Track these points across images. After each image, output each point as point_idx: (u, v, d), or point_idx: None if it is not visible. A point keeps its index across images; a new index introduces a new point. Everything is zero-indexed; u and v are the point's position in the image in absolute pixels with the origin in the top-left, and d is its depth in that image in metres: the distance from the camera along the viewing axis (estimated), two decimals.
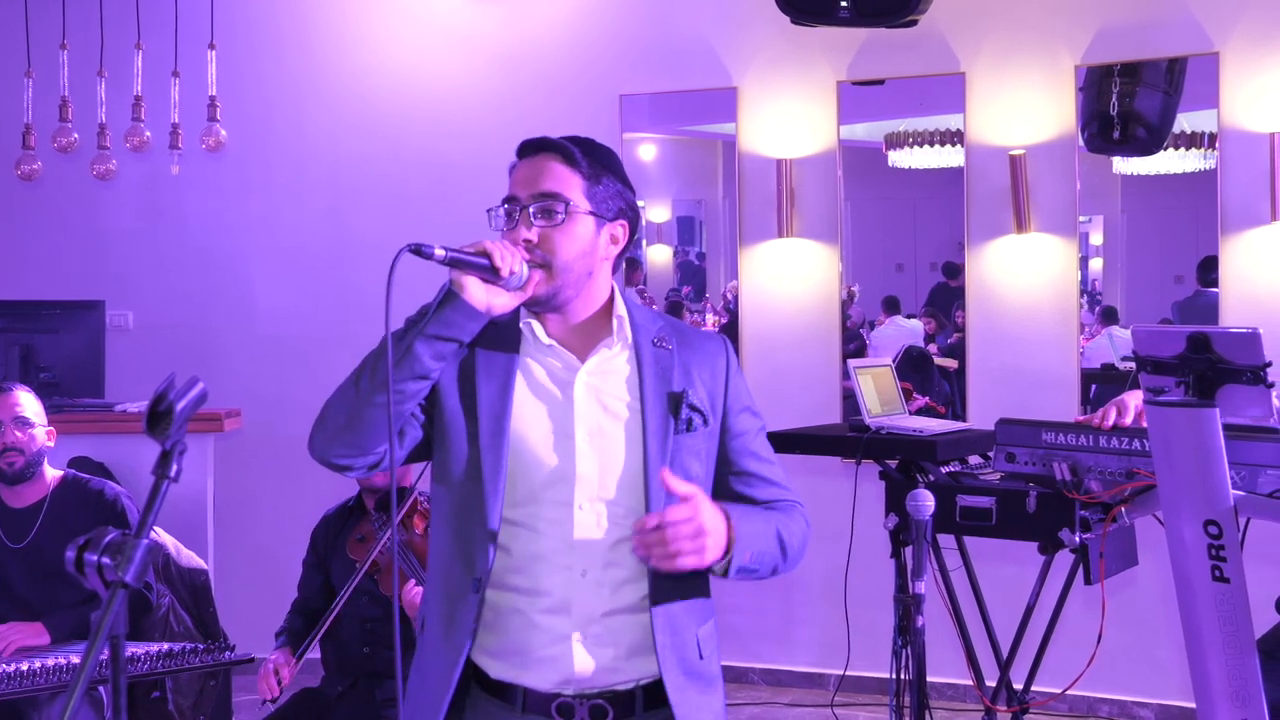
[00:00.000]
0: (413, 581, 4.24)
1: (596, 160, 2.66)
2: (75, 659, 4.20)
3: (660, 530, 2.37)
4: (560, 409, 2.57)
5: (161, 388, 2.11)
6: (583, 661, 2.52)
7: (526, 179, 2.61)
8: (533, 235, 2.55)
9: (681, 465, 2.57)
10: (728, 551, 2.47)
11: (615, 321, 2.64)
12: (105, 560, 2.03)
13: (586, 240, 2.60)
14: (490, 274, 2.46)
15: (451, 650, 2.54)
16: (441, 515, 2.61)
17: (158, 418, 2.09)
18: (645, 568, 2.51)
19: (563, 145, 2.64)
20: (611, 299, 2.68)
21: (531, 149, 2.67)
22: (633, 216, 2.72)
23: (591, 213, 2.61)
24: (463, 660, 2.53)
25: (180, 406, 2.08)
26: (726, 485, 2.68)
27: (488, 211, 2.62)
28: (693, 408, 2.61)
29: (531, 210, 2.57)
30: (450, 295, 2.48)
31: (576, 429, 2.55)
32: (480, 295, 2.46)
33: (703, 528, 2.40)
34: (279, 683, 4.40)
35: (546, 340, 2.60)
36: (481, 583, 2.52)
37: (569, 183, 2.60)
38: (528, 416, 2.56)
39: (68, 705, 1.91)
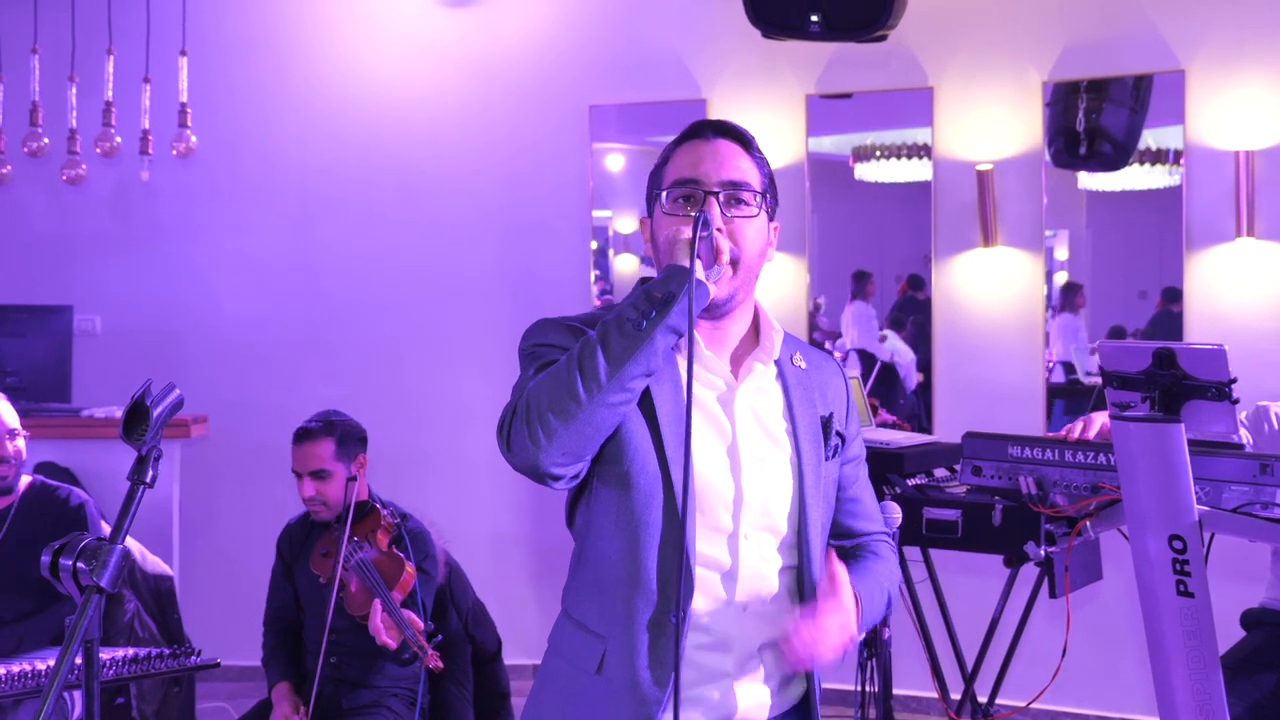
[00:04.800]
0: (378, 604, 4.20)
1: (764, 155, 2.45)
2: (40, 664, 4.18)
3: (814, 631, 2.25)
4: (721, 428, 2.36)
5: (138, 393, 2.11)
6: (742, 700, 2.36)
7: (709, 163, 2.36)
8: (722, 226, 2.33)
9: (826, 494, 2.44)
10: None
11: (773, 336, 2.45)
12: (80, 565, 2.03)
13: (763, 238, 2.40)
14: (708, 263, 2.27)
15: (635, 687, 2.29)
16: (606, 536, 2.35)
17: (134, 423, 2.09)
18: (799, 597, 2.39)
19: (743, 133, 2.42)
20: (756, 310, 2.49)
21: (710, 131, 2.41)
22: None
23: (767, 210, 2.41)
24: (662, 707, 2.27)
25: (157, 412, 2.09)
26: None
27: (661, 192, 2.39)
28: (839, 434, 2.47)
29: (721, 198, 2.34)
30: (696, 282, 2.23)
31: (741, 452, 2.35)
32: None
33: (850, 626, 2.30)
34: None
35: (704, 350, 2.37)
36: (678, 614, 2.25)
37: (751, 174, 2.38)
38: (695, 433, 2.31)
39: (41, 709, 1.91)
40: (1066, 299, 6.35)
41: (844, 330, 6.71)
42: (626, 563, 2.31)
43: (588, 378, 2.19)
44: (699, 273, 2.25)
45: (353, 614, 4.30)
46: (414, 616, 4.19)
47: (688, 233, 2.27)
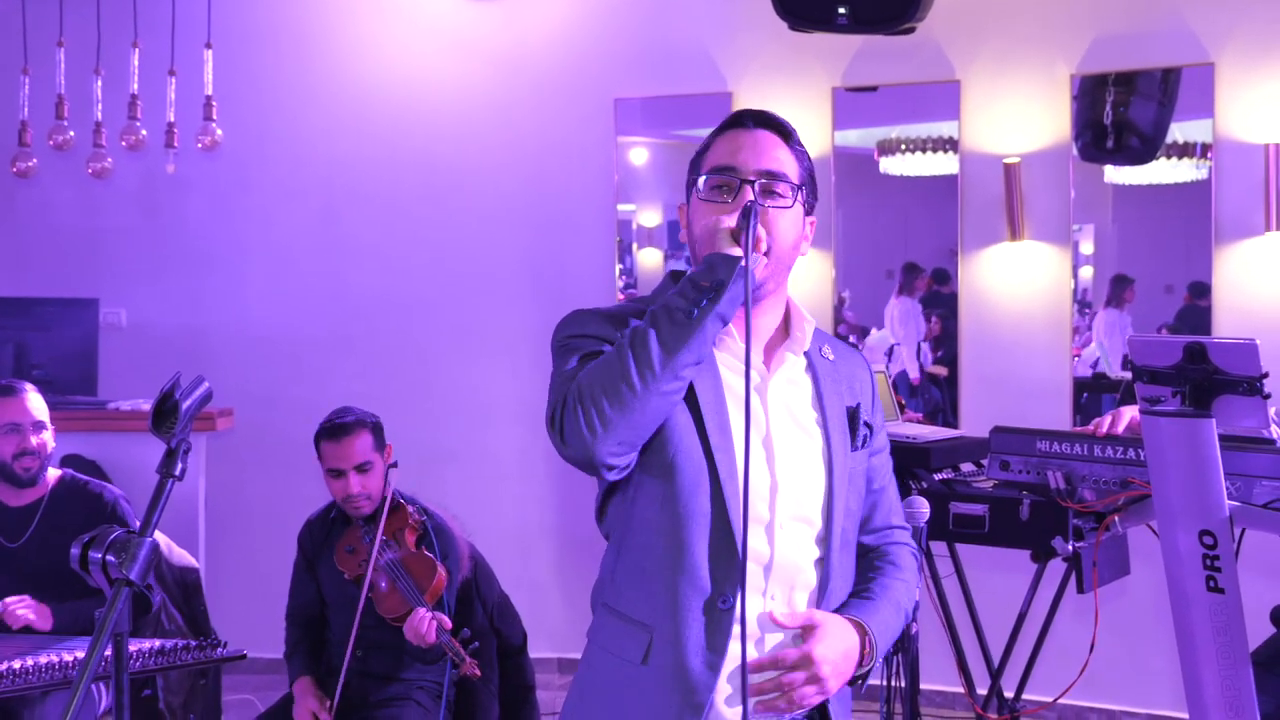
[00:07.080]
0: (422, 611, 4.18)
1: (805, 149, 2.47)
2: (68, 656, 4.19)
3: (780, 679, 2.27)
4: (756, 418, 2.34)
5: (167, 386, 2.11)
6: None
7: (748, 151, 2.38)
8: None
9: (855, 485, 2.45)
10: (860, 665, 2.38)
11: (804, 328, 2.45)
12: (110, 558, 2.03)
13: (797, 230, 2.40)
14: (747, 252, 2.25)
15: (683, 675, 2.31)
16: (652, 527, 2.35)
17: (163, 416, 2.09)
18: (821, 590, 2.40)
19: (785, 125, 2.44)
20: (788, 302, 2.49)
21: (751, 120, 2.43)
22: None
23: (804, 203, 2.42)
24: (713, 693, 2.30)
25: (186, 405, 2.08)
26: None
27: (699, 178, 2.40)
28: (866, 424, 2.48)
29: (756, 187, 2.35)
30: (741, 269, 2.24)
31: (775, 442, 2.37)
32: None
33: (819, 675, 2.29)
34: None
35: (739, 341, 2.33)
36: (729, 600, 2.29)
37: (789, 166, 2.39)
38: (732, 422, 2.34)
39: (71, 701, 1.91)
40: (1114, 293, 6.29)
41: (889, 327, 6.66)
42: (674, 552, 2.32)
43: (642, 366, 2.20)
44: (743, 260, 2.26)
45: (384, 616, 4.29)
46: (446, 620, 4.18)
47: (727, 221, 2.30)
